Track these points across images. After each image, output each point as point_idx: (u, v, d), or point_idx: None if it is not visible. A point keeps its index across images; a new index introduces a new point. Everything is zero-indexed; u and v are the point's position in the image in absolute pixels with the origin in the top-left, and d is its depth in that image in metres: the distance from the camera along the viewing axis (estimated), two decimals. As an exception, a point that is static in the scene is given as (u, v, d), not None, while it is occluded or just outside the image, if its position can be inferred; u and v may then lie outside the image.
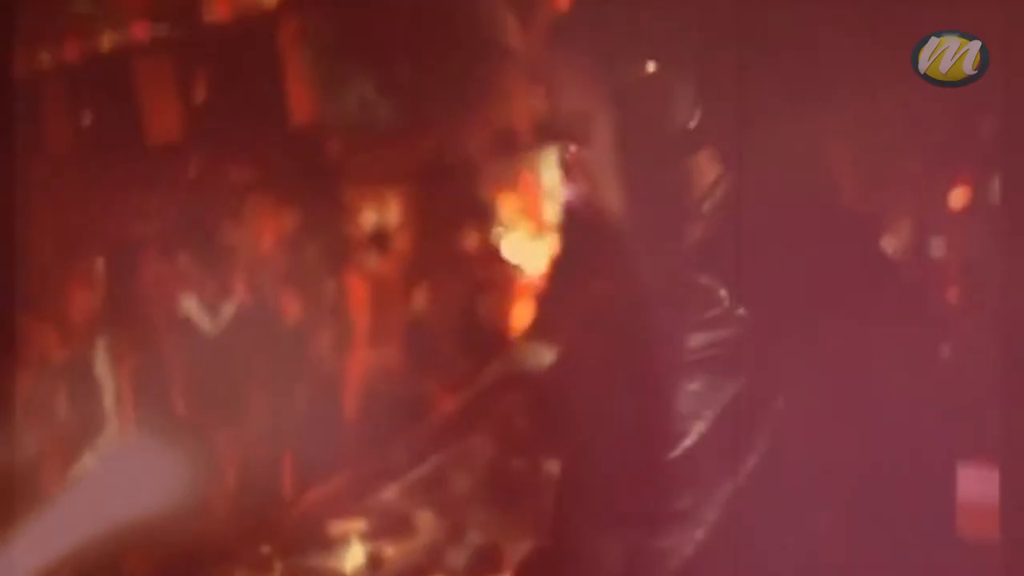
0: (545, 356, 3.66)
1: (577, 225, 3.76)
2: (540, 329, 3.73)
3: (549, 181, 3.98)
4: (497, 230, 3.94)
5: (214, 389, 3.68)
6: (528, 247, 3.94)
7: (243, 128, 3.90)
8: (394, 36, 3.83)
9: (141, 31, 3.97)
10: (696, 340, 1.69)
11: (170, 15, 3.96)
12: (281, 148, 3.91)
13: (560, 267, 3.87)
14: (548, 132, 3.95)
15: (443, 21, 3.80)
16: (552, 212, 3.97)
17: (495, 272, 3.89)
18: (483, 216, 3.95)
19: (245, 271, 3.87)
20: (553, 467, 3.40)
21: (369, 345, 3.84)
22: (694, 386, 1.70)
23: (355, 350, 3.82)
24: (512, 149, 3.98)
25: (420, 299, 3.86)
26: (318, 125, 3.94)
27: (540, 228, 3.94)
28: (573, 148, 1.87)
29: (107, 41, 3.95)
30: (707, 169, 1.83)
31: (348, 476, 3.40)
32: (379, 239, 3.95)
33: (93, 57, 3.93)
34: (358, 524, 3.31)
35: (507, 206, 3.98)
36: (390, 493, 3.34)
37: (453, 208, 3.94)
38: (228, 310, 3.81)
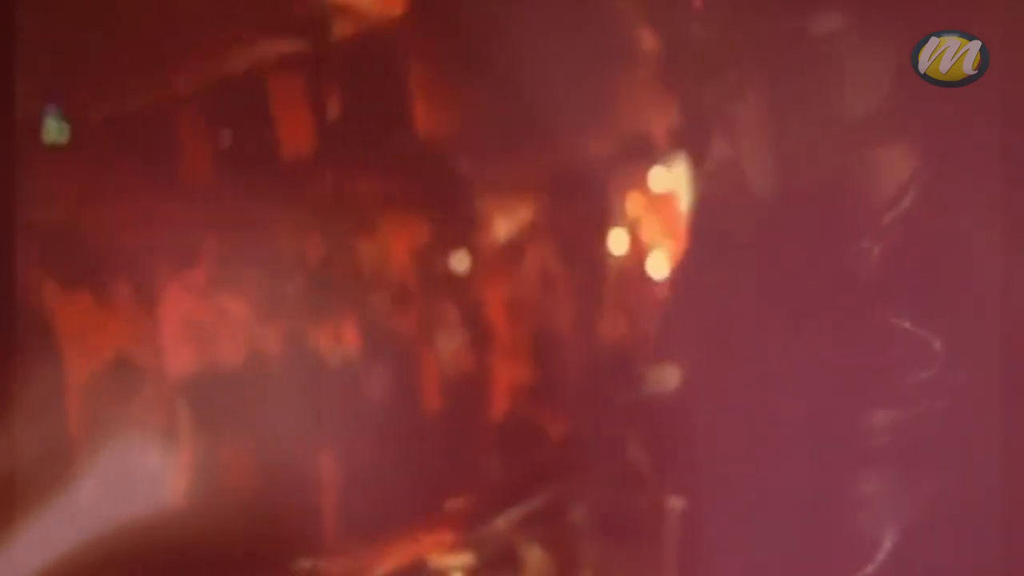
0: (671, 377, 3.54)
1: (715, 202, 3.56)
2: (667, 345, 3.62)
3: (682, 188, 3.85)
4: (629, 240, 3.83)
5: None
6: (661, 258, 3.83)
7: (373, 142, 3.89)
8: (519, 44, 3.74)
9: (272, 48, 3.98)
10: (892, 416, 1.33)
11: (300, 31, 3.96)
12: (411, 161, 3.89)
13: (691, 262, 3.69)
14: (681, 136, 3.82)
15: (570, 26, 3.69)
16: (685, 221, 3.84)
17: (626, 284, 3.79)
18: (615, 225, 3.85)
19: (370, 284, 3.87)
20: (677, 504, 3.22)
21: (498, 361, 3.79)
22: (887, 480, 1.34)
23: (483, 367, 3.78)
24: (644, 155, 3.86)
25: (549, 313, 3.79)
26: (446, 137, 3.90)
27: (675, 237, 3.82)
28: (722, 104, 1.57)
29: (239, 61, 3.98)
30: (896, 166, 1.46)
31: (455, 504, 3.34)
32: (511, 250, 3.90)
33: (226, 78, 3.97)
34: (463, 558, 3.23)
35: (639, 215, 3.87)
36: (499, 525, 3.27)
37: (584, 218, 3.85)
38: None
